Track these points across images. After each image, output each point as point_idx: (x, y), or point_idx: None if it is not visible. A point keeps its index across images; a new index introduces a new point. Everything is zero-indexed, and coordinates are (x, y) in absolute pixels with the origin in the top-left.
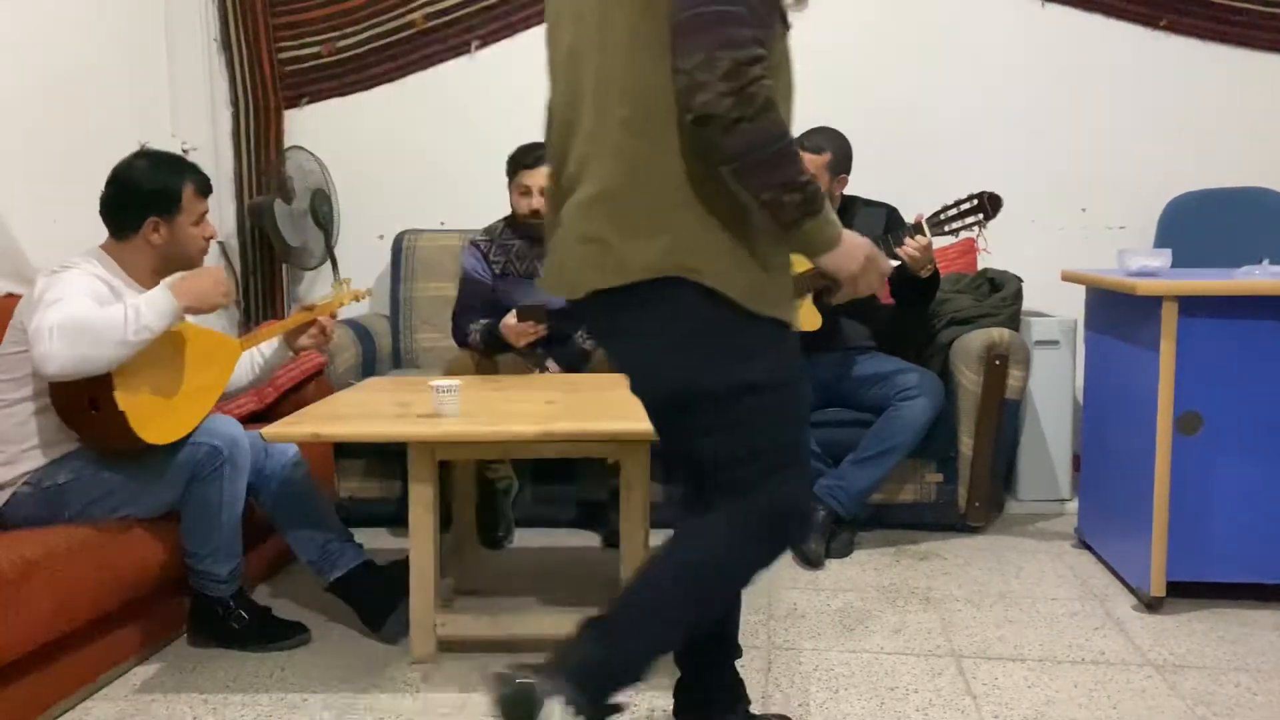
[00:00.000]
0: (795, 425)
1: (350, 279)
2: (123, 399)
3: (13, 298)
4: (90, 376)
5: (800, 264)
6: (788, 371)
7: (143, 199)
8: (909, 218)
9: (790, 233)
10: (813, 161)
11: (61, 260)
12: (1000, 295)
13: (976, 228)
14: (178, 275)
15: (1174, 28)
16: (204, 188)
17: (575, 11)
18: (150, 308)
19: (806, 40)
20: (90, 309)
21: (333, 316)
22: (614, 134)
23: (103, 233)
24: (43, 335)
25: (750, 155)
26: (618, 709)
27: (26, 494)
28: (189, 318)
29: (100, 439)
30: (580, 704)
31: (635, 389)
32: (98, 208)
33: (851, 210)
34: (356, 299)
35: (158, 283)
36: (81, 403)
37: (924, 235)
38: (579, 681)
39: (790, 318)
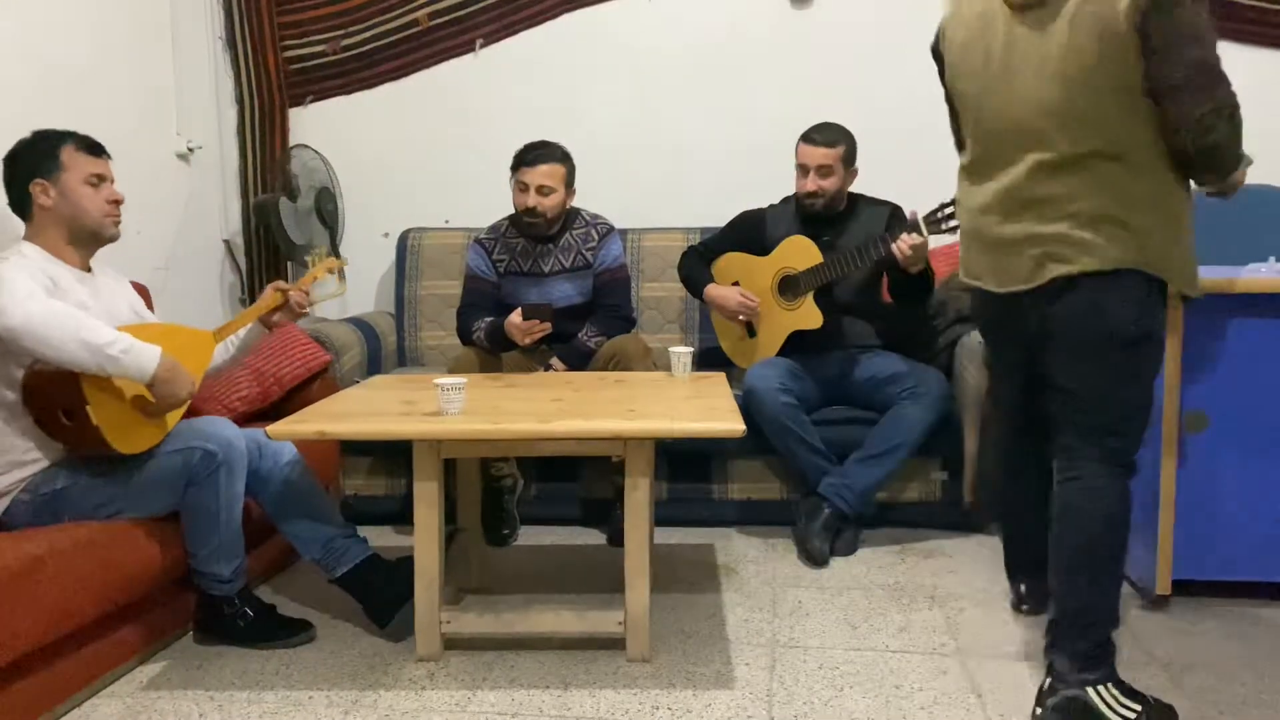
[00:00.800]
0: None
1: (323, 249)
2: (96, 413)
3: None
4: (49, 379)
5: (802, 262)
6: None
7: (22, 166)
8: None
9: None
10: (828, 154)
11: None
12: None
13: None
14: (173, 360)
15: None
16: (85, 145)
17: (1029, 48)
18: (137, 350)
19: (812, 41)
20: (82, 312)
21: (306, 293)
22: (1087, 160)
23: None
24: (17, 291)
25: (1235, 169)
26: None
27: (25, 501)
28: (154, 317)
29: (77, 447)
30: (1104, 674)
31: (1082, 351)
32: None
33: (856, 208)
34: (330, 270)
35: (76, 259)
36: (55, 412)
37: (920, 234)
38: (1091, 660)
39: (1201, 292)
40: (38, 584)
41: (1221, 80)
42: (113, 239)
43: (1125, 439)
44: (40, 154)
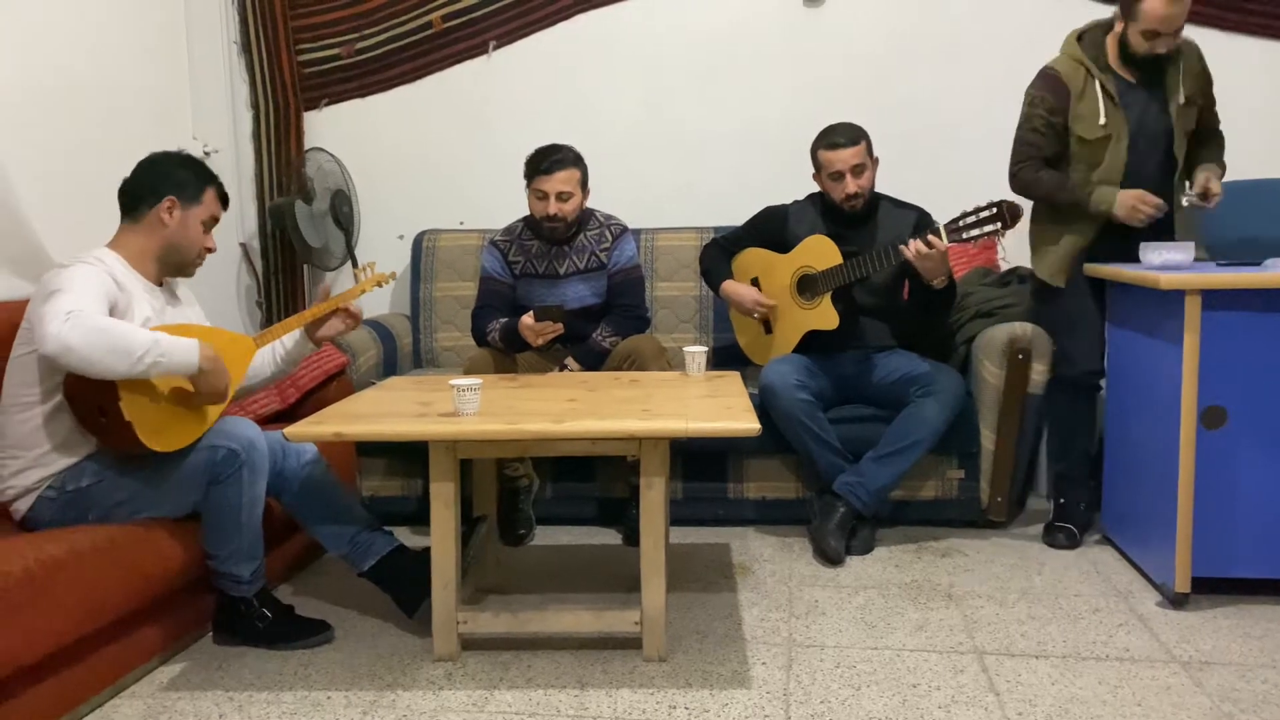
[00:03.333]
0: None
1: (374, 263)
2: (129, 409)
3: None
4: (86, 377)
5: (822, 262)
6: (1045, 302)
7: (170, 176)
8: (936, 218)
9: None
10: (857, 153)
11: (73, 255)
12: (1028, 287)
13: (995, 236)
14: (210, 347)
15: (1194, 18)
16: (225, 197)
17: None
18: (173, 349)
19: (823, 39)
20: (116, 321)
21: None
22: None
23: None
24: (57, 315)
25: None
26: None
27: (50, 498)
28: (201, 320)
29: (112, 443)
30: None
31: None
32: (118, 189)
33: (880, 209)
34: (380, 284)
35: (158, 274)
36: (93, 409)
37: (940, 241)
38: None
39: (1049, 279)
40: (58, 586)
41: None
42: (187, 276)
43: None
44: (190, 180)
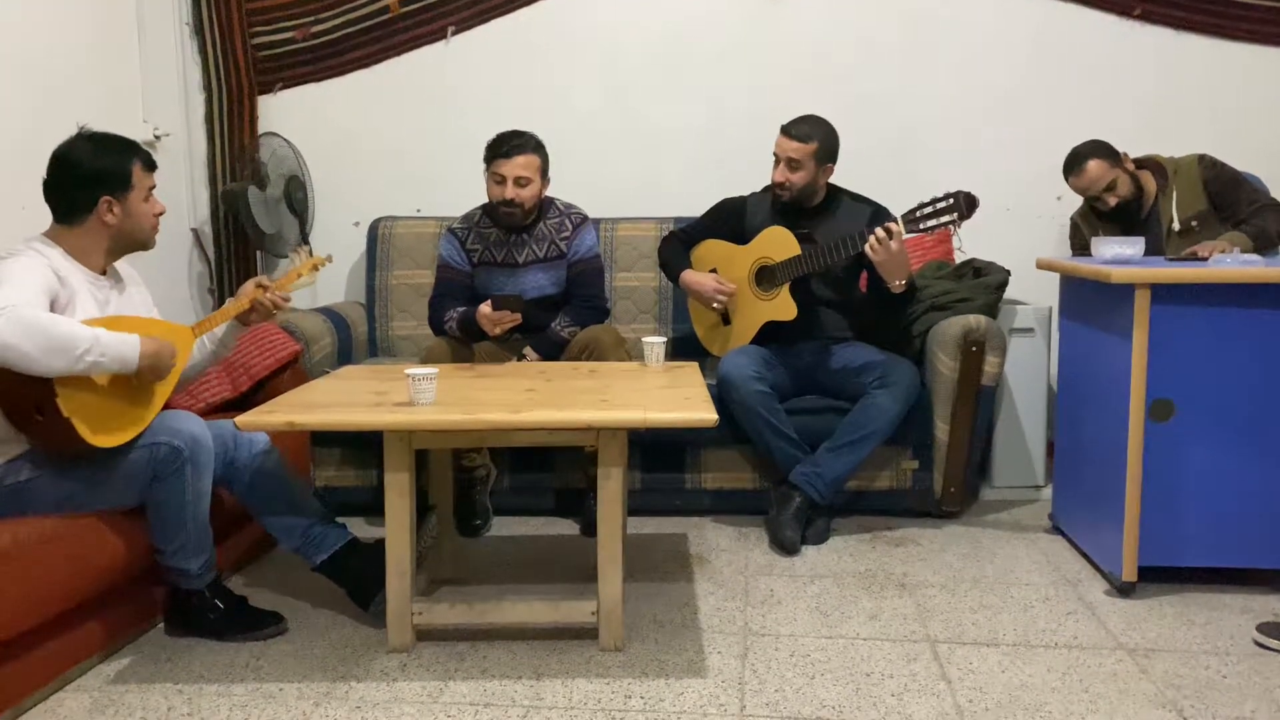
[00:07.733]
0: None
1: (309, 247)
2: (66, 405)
3: None
4: (15, 378)
5: (779, 253)
6: None
7: (93, 179)
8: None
9: None
10: (799, 149)
11: (7, 247)
12: (983, 281)
13: (951, 226)
14: (152, 339)
15: (1147, 16)
16: (150, 163)
17: None
18: (113, 348)
19: (785, 33)
20: (55, 317)
21: (287, 298)
22: None
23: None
24: None
25: None
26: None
27: None
28: (148, 302)
29: (48, 443)
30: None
31: None
32: (44, 195)
33: (836, 202)
34: (316, 268)
35: (99, 263)
36: (27, 408)
37: (897, 228)
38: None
39: None
40: (2, 579)
41: None
42: (149, 249)
43: None
44: (112, 169)
